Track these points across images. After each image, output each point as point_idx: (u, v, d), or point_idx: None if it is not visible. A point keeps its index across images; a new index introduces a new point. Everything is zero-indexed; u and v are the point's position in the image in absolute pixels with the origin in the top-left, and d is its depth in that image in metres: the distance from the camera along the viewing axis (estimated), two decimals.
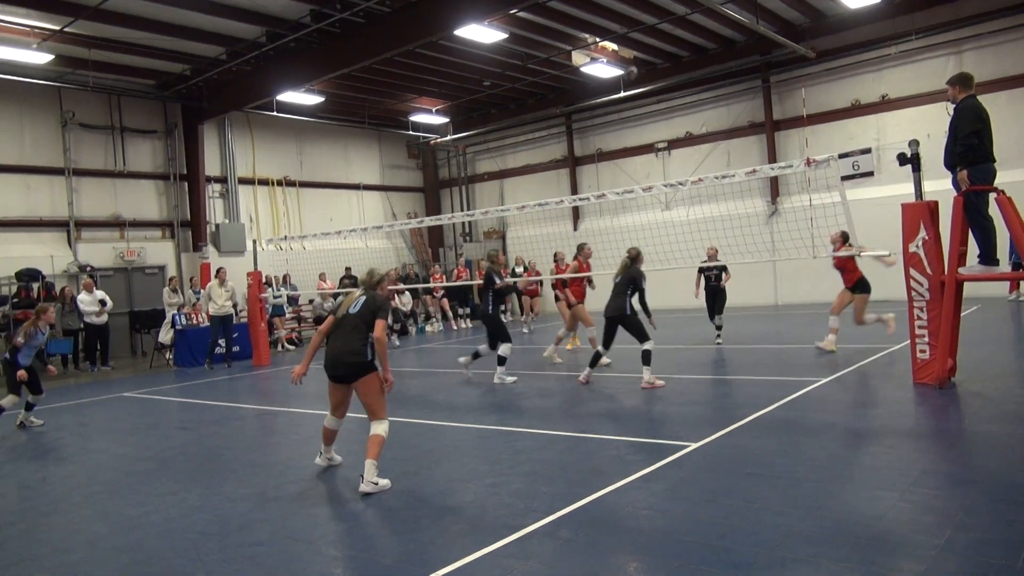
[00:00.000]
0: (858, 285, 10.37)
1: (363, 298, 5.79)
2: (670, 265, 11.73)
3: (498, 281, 10.32)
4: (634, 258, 9.18)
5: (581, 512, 4.54)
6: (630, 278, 8.96)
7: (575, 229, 22.80)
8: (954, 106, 7.35)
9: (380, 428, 5.48)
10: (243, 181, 20.94)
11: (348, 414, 5.96)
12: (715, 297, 12.51)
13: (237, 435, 7.94)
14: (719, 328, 12.34)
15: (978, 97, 7.35)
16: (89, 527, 5.04)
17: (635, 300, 8.98)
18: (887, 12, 16.66)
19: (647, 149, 22.02)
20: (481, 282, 10.75)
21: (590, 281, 11.75)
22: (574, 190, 23.05)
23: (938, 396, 7.11)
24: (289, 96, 18.85)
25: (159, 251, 19.03)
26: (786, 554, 3.70)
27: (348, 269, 20.07)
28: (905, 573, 3.39)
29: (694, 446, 5.84)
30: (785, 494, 4.59)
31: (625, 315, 8.90)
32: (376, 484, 5.25)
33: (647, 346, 8.75)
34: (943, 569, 3.40)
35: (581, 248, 11.41)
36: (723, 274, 12.37)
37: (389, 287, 6.34)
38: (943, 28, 16.83)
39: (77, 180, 17.52)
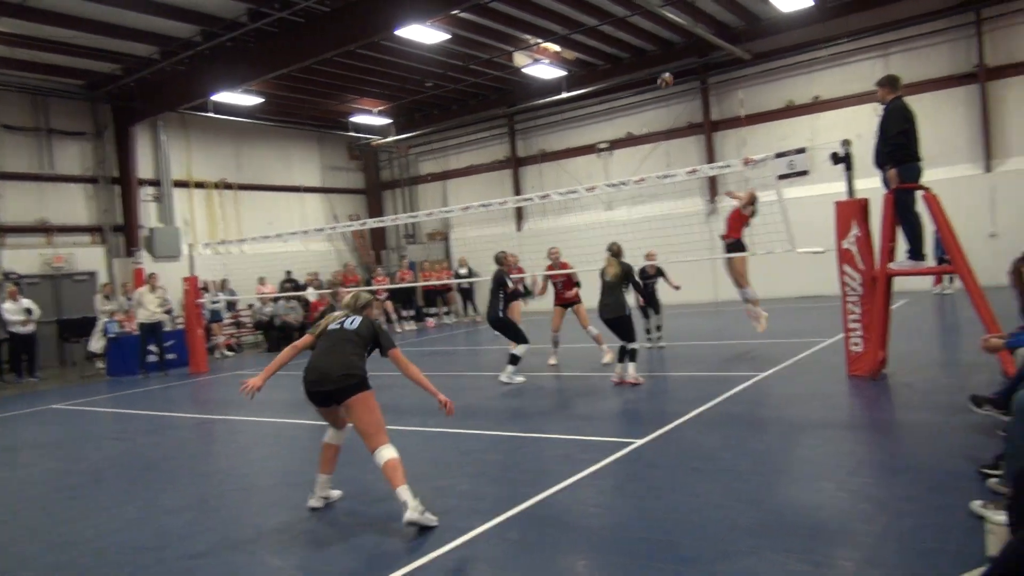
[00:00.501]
0: (735, 245, 10.46)
1: (358, 318, 5.05)
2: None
3: (510, 284, 9.97)
4: (618, 253, 8.97)
5: (529, 512, 4.54)
6: (625, 273, 8.81)
7: (519, 230, 22.87)
8: (883, 107, 7.61)
9: (388, 453, 4.61)
10: (178, 184, 20.37)
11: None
12: (649, 302, 12.07)
13: (175, 445, 7.71)
14: (658, 328, 12.06)
15: (904, 98, 7.62)
16: (19, 547, 4.82)
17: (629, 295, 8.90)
18: (819, 16, 17.17)
19: (589, 149, 22.22)
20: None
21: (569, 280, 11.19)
22: (517, 191, 23.11)
23: (871, 388, 7.34)
24: (226, 97, 18.42)
25: (89, 257, 18.36)
26: (730, 546, 3.77)
27: (288, 273, 19.77)
28: (845, 561, 3.48)
29: (640, 443, 5.90)
30: (728, 487, 4.67)
31: (625, 314, 8.70)
32: (424, 514, 4.37)
33: (636, 345, 8.74)
34: (881, 555, 3.50)
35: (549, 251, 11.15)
36: (658, 279, 12.06)
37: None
38: (872, 32, 17.42)
39: (1, 184, 16.78)
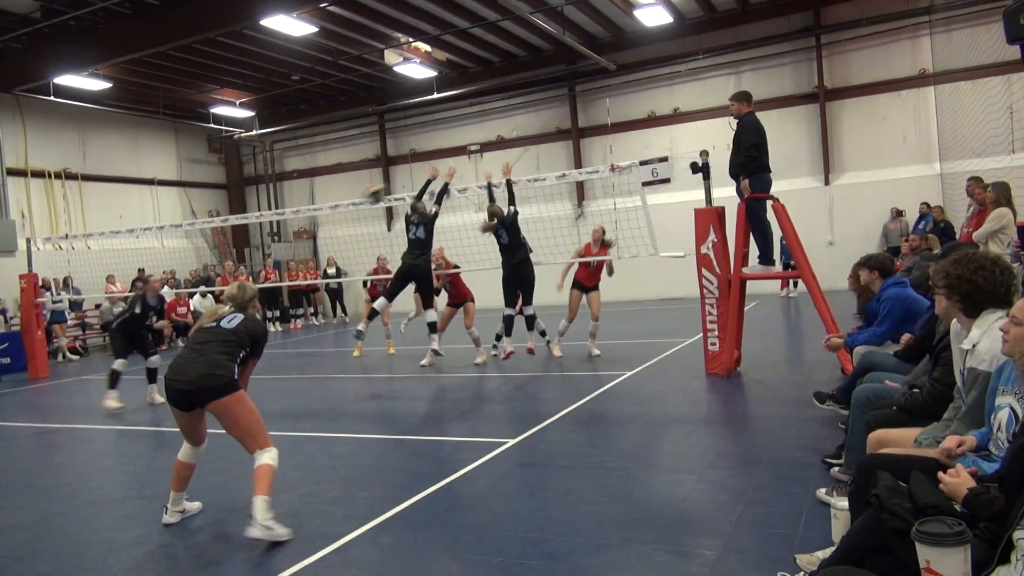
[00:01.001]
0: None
1: (239, 316, 4.67)
2: (483, 266, 11.89)
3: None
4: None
5: (403, 515, 4.49)
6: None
7: (389, 230, 22.57)
8: (736, 120, 8.10)
9: (268, 456, 4.40)
10: (12, 172, 18.61)
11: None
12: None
13: (9, 457, 7.05)
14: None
15: (755, 113, 8.15)
16: None
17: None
18: (678, 32, 18.09)
19: (460, 151, 22.27)
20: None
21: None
22: (387, 191, 22.80)
23: (727, 385, 7.79)
24: (69, 80, 17.01)
25: None
26: (600, 540, 3.88)
27: (141, 271, 18.52)
28: (706, 550, 3.67)
29: (512, 442, 5.97)
30: (597, 483, 4.82)
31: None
32: (271, 529, 4.12)
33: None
34: (737, 543, 3.72)
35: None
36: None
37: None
38: (725, 50, 18.50)
39: None
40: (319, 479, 5.43)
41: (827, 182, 17.95)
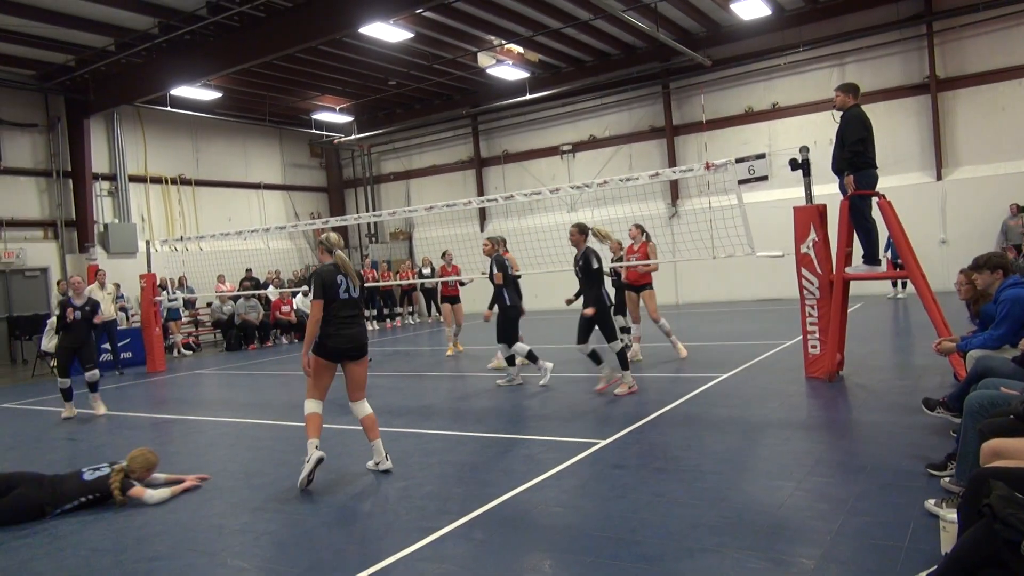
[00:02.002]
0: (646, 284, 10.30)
1: (347, 278, 5.68)
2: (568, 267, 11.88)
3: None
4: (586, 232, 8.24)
5: (494, 512, 4.56)
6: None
7: (482, 230, 22.85)
8: (840, 113, 7.78)
9: (369, 406, 5.77)
10: (134, 179, 19.94)
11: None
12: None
13: (130, 445, 7.51)
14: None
15: (862, 106, 7.82)
16: None
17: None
18: (776, 25, 17.53)
19: (552, 151, 22.33)
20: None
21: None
22: (480, 191, 23.11)
23: (828, 389, 7.51)
24: (184, 91, 18.07)
25: (41, 252, 17.89)
26: (693, 544, 3.83)
27: (249, 271, 19.47)
28: (804, 559, 3.56)
29: (603, 443, 5.95)
30: (691, 487, 4.75)
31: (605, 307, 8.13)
32: (388, 461, 5.69)
33: (618, 344, 8.12)
34: (838, 553, 3.59)
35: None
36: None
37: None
38: (827, 42, 17.81)
39: None
40: (414, 474, 5.56)
41: (939, 177, 17.01)
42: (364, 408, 5.70)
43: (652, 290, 10.30)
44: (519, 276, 9.97)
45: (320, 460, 5.34)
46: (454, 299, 13.16)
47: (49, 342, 14.84)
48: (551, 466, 5.40)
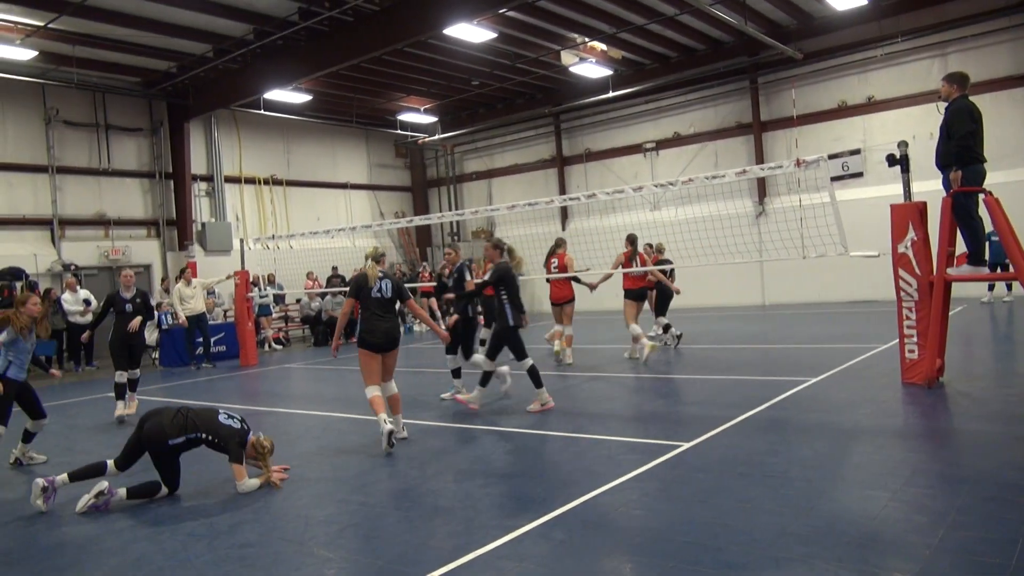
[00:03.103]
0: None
1: (388, 282, 6.91)
2: (662, 265, 11.74)
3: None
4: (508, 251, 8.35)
5: (574, 512, 4.53)
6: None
7: (563, 229, 22.82)
8: (946, 105, 7.37)
9: (395, 387, 6.96)
10: (229, 179, 20.81)
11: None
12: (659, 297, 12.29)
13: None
14: (665, 329, 12.26)
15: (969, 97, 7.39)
16: (79, 530, 4.97)
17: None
18: (873, 15, 16.79)
19: (635, 149, 22.07)
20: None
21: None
22: (562, 190, 23.07)
23: (927, 396, 7.15)
24: (276, 94, 18.76)
25: (144, 250, 18.87)
26: (779, 553, 3.70)
27: (335, 268, 20.00)
28: (899, 572, 3.39)
29: (686, 446, 5.84)
30: (777, 493, 4.60)
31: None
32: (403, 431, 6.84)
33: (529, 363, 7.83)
34: (937, 569, 3.40)
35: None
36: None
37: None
38: (927, 31, 16.97)
39: (61, 178, 17.35)
40: (495, 471, 5.60)
41: None
42: (392, 388, 6.92)
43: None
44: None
45: (391, 433, 6.37)
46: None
47: (151, 335, 15.72)
48: (632, 468, 5.34)
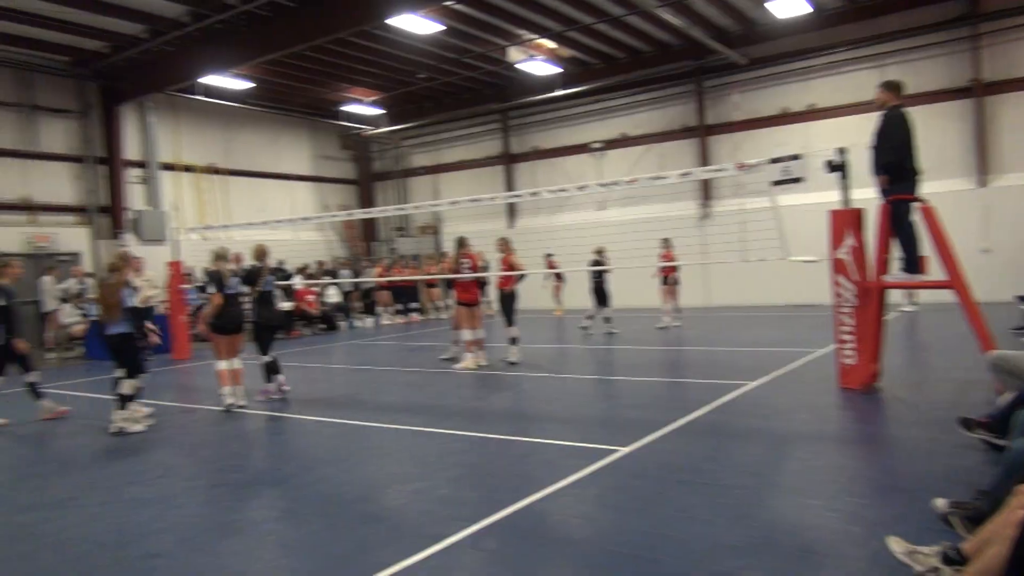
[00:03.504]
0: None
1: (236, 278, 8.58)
2: (580, 265, 11.69)
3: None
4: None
5: (508, 520, 4.37)
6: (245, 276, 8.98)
7: (511, 227, 22.68)
8: (882, 112, 7.46)
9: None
10: (166, 167, 20.05)
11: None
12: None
13: (149, 434, 7.47)
14: (607, 320, 14.04)
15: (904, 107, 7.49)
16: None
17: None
18: (815, 24, 17.09)
19: (583, 149, 22.06)
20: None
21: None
22: (510, 187, 22.91)
23: (863, 401, 7.21)
24: (216, 80, 18.12)
25: (73, 237, 18.03)
26: (715, 566, 3.61)
27: (280, 262, 19.46)
28: None
29: (625, 451, 5.74)
30: (714, 502, 4.52)
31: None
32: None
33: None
34: None
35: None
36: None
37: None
38: (867, 42, 17.34)
39: None
40: (429, 475, 5.41)
41: (983, 184, 16.48)
42: (237, 363, 8.49)
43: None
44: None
45: (229, 405, 8.21)
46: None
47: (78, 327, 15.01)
48: (569, 473, 5.21)
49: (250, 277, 8.86)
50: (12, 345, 8.03)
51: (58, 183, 17.88)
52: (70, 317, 14.62)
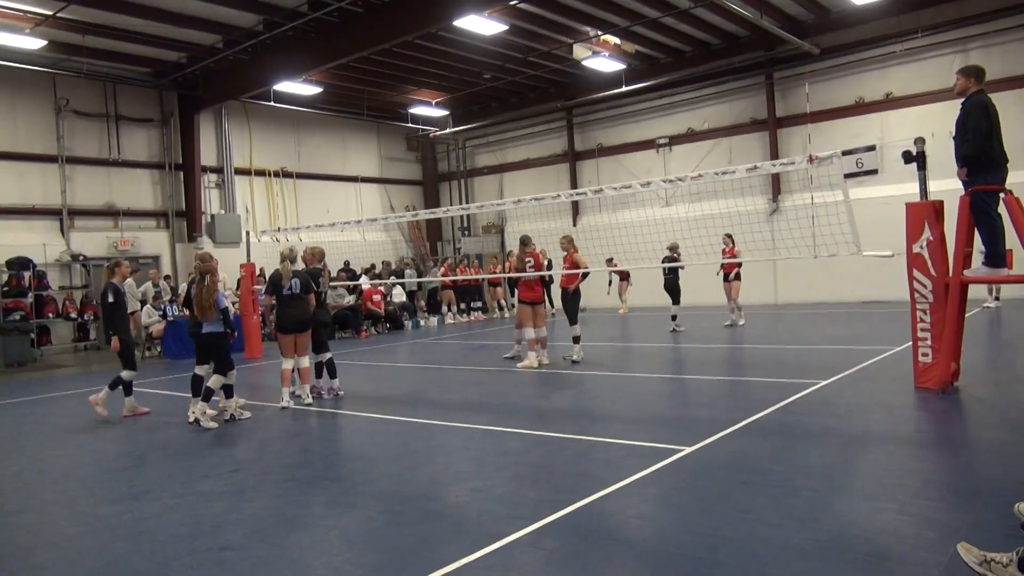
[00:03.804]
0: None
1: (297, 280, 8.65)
2: (654, 262, 11.53)
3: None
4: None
5: (567, 520, 4.35)
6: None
7: (575, 224, 22.61)
8: (962, 101, 7.11)
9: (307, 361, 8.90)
10: (239, 171, 20.75)
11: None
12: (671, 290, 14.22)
13: (222, 430, 7.74)
14: (674, 318, 14.05)
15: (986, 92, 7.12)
16: (57, 528, 4.85)
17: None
18: (892, 9, 16.47)
19: (648, 145, 21.81)
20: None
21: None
22: (574, 185, 22.84)
23: (940, 401, 6.91)
24: (287, 86, 18.66)
25: (153, 241, 18.86)
26: (780, 570, 3.51)
27: (347, 263, 19.89)
28: None
29: (688, 450, 5.64)
30: (780, 504, 4.40)
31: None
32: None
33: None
34: None
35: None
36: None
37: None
38: (948, 26, 16.62)
39: (71, 168, 17.34)
40: (489, 474, 5.43)
41: None
42: (303, 362, 8.81)
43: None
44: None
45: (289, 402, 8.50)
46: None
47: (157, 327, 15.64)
48: (631, 472, 5.15)
49: (312, 279, 8.99)
50: (111, 342, 8.50)
51: (139, 189, 18.72)
52: (149, 318, 15.23)
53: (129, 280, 15.32)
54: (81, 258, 16.98)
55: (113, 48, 16.36)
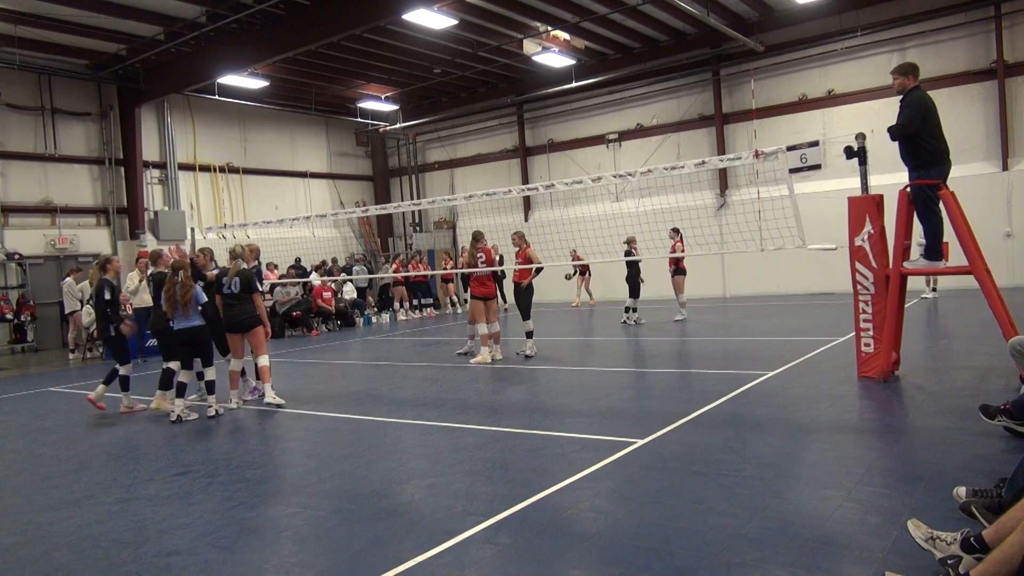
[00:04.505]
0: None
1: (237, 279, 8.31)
2: (613, 256, 11.62)
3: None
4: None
5: (522, 514, 4.35)
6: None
7: (526, 219, 22.66)
8: (900, 98, 7.32)
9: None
10: (183, 167, 20.24)
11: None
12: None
13: (165, 433, 7.55)
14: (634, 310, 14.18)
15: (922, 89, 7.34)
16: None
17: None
18: (833, 8, 16.89)
19: (598, 140, 21.97)
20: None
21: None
22: (525, 180, 22.90)
23: (882, 390, 7.12)
24: (232, 80, 18.25)
25: (94, 238, 18.28)
26: (732, 558, 3.57)
27: (298, 260, 19.58)
28: None
29: (641, 443, 5.70)
30: (731, 493, 4.47)
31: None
32: (278, 400, 8.29)
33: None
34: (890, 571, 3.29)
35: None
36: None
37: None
38: (887, 25, 17.11)
39: (4, 163, 16.72)
40: (443, 471, 5.40)
41: (1005, 167, 16.20)
42: (263, 361, 8.46)
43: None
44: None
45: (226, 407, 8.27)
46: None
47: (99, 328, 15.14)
48: (585, 466, 5.18)
49: (218, 279, 8.57)
50: (120, 332, 8.58)
51: (78, 185, 18.12)
52: (89, 316, 14.74)
53: (69, 279, 14.89)
54: (16, 257, 16.36)
55: (48, 39, 15.78)
